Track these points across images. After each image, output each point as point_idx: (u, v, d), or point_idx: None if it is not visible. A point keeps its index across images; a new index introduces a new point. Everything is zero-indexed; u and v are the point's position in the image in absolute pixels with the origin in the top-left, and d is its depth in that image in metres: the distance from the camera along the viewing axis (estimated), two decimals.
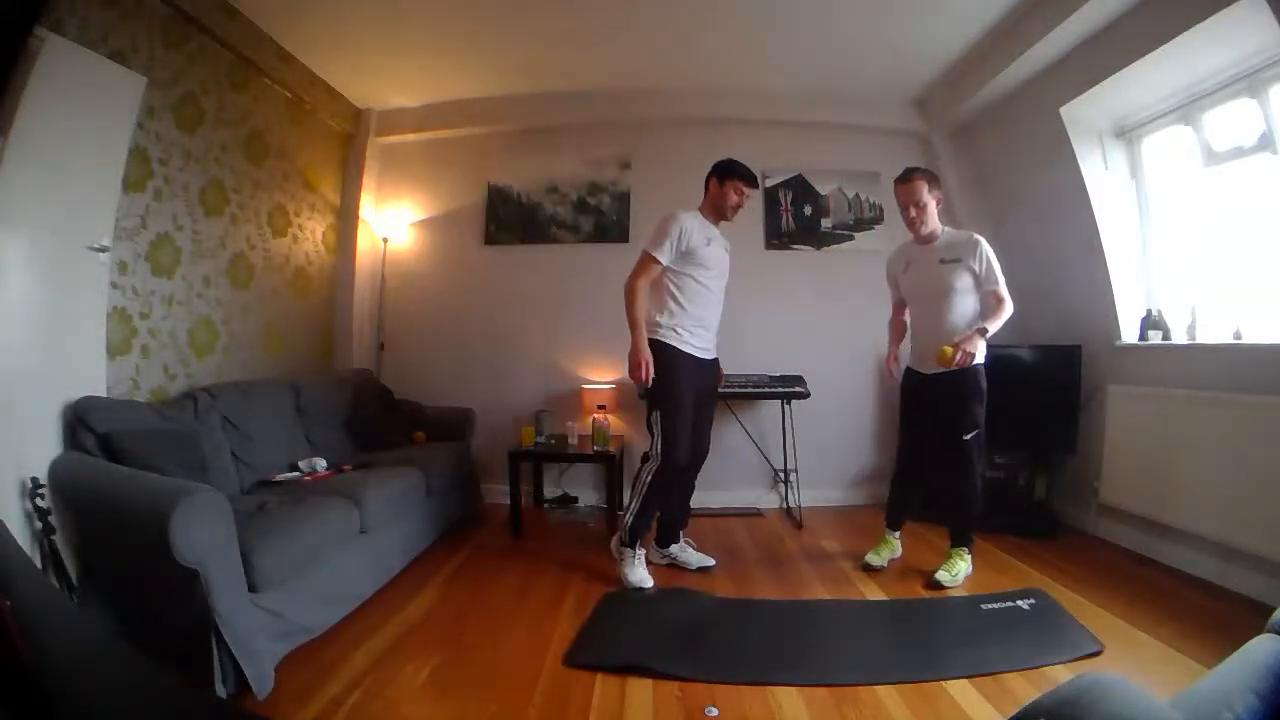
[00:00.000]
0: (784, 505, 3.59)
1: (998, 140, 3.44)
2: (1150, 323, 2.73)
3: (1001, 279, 2.29)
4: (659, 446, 2.38)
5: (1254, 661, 0.78)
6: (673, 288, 2.41)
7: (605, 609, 2.20)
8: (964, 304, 2.33)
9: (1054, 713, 0.70)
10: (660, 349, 2.36)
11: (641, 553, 2.43)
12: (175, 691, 1.06)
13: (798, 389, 3.31)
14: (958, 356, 2.18)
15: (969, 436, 2.33)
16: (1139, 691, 0.69)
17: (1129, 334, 2.84)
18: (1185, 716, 0.65)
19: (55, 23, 1.86)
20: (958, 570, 2.38)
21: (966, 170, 3.72)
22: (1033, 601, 2.21)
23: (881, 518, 2.68)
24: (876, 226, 3.74)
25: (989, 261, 2.28)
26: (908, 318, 2.60)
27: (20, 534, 1.68)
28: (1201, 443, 2.37)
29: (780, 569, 2.63)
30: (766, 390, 3.33)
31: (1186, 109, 2.56)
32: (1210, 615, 2.04)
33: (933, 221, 2.38)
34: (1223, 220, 2.50)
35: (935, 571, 2.38)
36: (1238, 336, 2.38)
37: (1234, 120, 2.41)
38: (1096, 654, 1.83)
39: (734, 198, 2.43)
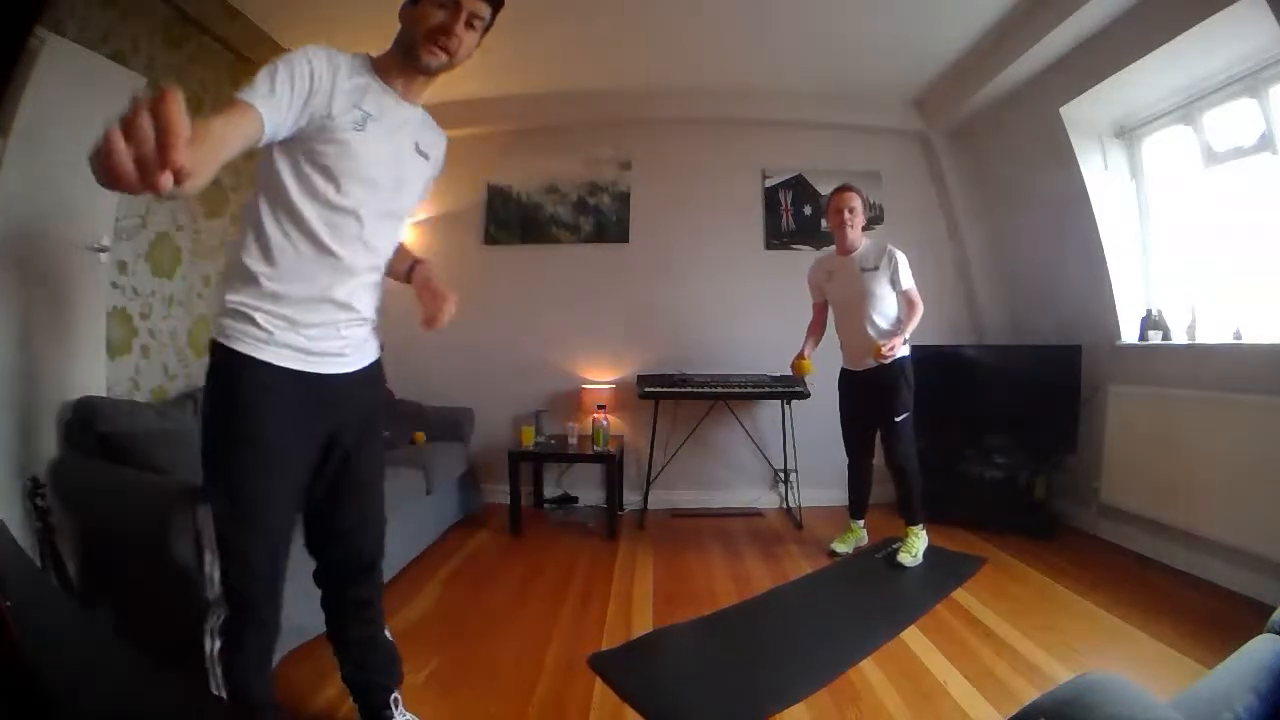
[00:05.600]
0: (784, 505, 3.59)
1: (998, 140, 3.43)
2: (1150, 323, 2.73)
3: (913, 282, 2.56)
4: (216, 572, 1.24)
5: (1254, 661, 0.78)
6: (265, 211, 1.13)
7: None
8: (885, 306, 2.58)
9: (1054, 713, 0.70)
10: (215, 365, 1.13)
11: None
12: (175, 691, 1.06)
13: (798, 389, 3.30)
14: (885, 349, 2.44)
15: (900, 419, 2.58)
16: (1139, 691, 0.69)
17: (1129, 334, 2.85)
18: (1185, 716, 0.65)
19: (55, 23, 1.86)
20: (916, 549, 2.59)
21: (966, 170, 3.71)
22: (896, 545, 2.64)
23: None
24: (876, 226, 3.73)
25: (901, 267, 2.54)
26: (831, 321, 2.81)
27: (20, 534, 1.68)
28: (1201, 443, 2.37)
29: (779, 569, 2.63)
30: (766, 390, 3.33)
31: (1186, 109, 2.56)
32: (1210, 615, 2.04)
33: (858, 231, 2.64)
34: (1223, 220, 2.50)
35: (896, 555, 2.59)
36: (1238, 336, 2.38)
37: (1234, 120, 2.41)
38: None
39: (429, 9, 1.13)
